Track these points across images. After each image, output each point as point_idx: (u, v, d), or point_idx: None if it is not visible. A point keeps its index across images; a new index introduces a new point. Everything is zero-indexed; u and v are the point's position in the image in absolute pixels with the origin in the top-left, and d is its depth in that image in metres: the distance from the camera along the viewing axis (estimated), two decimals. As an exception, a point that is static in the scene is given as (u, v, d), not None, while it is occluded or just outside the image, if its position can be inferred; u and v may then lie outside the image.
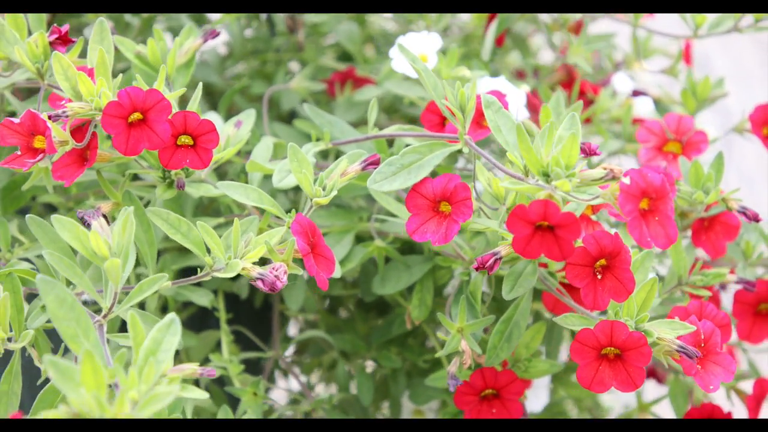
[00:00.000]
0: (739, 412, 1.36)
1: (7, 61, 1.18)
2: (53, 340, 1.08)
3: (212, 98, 1.62)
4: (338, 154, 1.33)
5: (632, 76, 1.68)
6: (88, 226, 1.02)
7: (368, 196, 1.34)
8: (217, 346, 1.37)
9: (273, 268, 1.05)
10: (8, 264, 1.16)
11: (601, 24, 1.75)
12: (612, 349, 1.07)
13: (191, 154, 1.11)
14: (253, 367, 1.49)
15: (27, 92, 1.37)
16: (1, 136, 1.09)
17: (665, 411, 1.51)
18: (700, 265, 1.28)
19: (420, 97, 1.39)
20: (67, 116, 1.07)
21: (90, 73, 1.10)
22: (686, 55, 1.69)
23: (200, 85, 1.17)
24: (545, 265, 1.18)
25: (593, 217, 1.19)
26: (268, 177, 1.25)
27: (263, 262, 1.08)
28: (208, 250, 1.07)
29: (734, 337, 1.32)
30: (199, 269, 1.08)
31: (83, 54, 1.18)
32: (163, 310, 1.30)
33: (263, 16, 1.70)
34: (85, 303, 1.17)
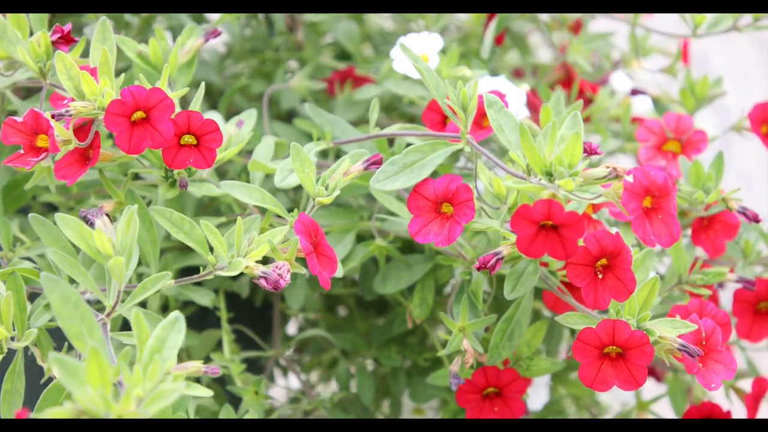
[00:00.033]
0: (738, 410, 1.36)
1: (8, 61, 1.18)
2: (56, 339, 1.08)
3: (211, 97, 1.62)
4: (338, 153, 1.33)
5: (631, 75, 1.68)
6: (91, 224, 1.02)
7: (369, 195, 1.34)
8: (218, 346, 1.37)
9: (276, 267, 1.06)
10: (10, 263, 1.16)
11: (600, 23, 1.75)
12: (614, 347, 1.07)
13: (195, 154, 1.11)
14: (251, 366, 1.49)
15: (26, 91, 1.37)
16: (5, 135, 1.09)
17: (663, 409, 1.51)
18: (700, 264, 1.28)
19: (420, 97, 1.39)
20: (70, 115, 1.07)
21: (92, 72, 1.10)
22: (685, 54, 1.69)
23: (203, 84, 1.17)
24: (546, 264, 1.18)
25: (594, 216, 1.19)
26: (268, 176, 1.25)
27: (265, 261, 1.08)
28: (211, 249, 1.07)
29: (732, 335, 1.32)
30: (201, 268, 1.08)
31: (84, 53, 1.18)
32: (164, 309, 1.30)
33: (262, 15, 1.70)
34: (87, 302, 1.17)
